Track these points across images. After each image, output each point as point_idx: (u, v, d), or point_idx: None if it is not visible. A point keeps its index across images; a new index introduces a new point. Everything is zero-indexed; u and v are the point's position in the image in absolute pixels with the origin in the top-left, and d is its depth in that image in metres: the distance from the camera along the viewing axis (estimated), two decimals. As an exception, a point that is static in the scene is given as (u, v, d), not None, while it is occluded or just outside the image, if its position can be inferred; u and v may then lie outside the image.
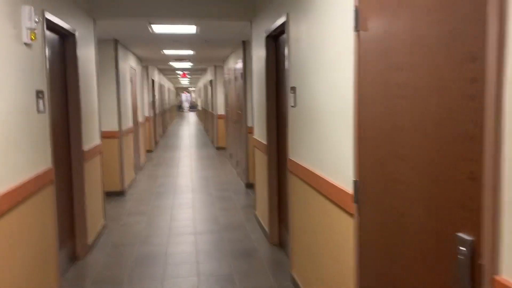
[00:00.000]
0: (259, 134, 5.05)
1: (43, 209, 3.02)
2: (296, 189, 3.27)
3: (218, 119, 12.18)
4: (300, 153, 3.13)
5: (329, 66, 2.42)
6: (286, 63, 3.49)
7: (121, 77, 7.02)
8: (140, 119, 9.46)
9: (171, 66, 12.98)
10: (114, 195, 6.77)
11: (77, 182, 4.11)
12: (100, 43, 6.59)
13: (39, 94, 2.96)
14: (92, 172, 4.52)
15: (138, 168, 8.67)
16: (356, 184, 2.06)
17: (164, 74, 19.42)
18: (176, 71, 17.25)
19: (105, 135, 6.63)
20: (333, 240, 2.42)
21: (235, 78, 8.10)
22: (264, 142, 4.66)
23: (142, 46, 7.70)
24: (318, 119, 2.65)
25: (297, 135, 3.21)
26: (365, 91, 1.94)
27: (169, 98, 24.90)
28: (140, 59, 9.96)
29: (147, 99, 11.83)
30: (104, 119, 6.63)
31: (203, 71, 16.96)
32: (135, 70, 8.87)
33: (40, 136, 2.98)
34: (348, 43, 2.11)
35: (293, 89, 3.27)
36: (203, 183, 7.60)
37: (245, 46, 7.07)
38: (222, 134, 12.23)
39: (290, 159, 3.42)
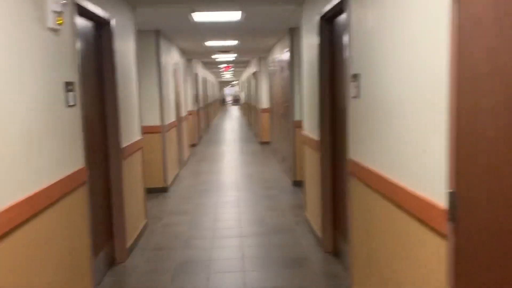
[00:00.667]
0: (310, 129, 4.59)
1: (75, 213, 2.73)
2: (359, 195, 2.80)
3: (262, 113, 11.78)
4: (365, 153, 2.66)
5: (410, 45, 1.93)
6: (346, 46, 3.01)
7: (163, 70, 6.75)
8: (184, 113, 9.23)
9: (214, 59, 12.71)
10: (157, 191, 6.54)
11: (115, 181, 3.83)
12: (141, 34, 6.34)
13: (68, 86, 2.66)
14: (132, 170, 4.24)
15: (181, 163, 8.43)
16: (452, 196, 1.58)
17: (208, 68, 19.26)
18: (219, 65, 17.00)
19: (147, 130, 6.39)
20: (413, 264, 1.94)
21: (281, 69, 7.65)
22: (316, 138, 4.20)
23: (185, 37, 7.41)
24: (392, 111, 2.17)
25: (361, 132, 2.73)
26: (470, 74, 1.45)
27: (213, 92, 24.80)
28: (183, 52, 9.72)
29: (190, 93, 11.62)
30: (146, 113, 6.39)
31: (246, 63, 16.61)
32: (178, 63, 8.62)
33: (70, 133, 2.68)
34: (441, 10, 1.61)
35: (356, 77, 2.79)
36: (247, 180, 7.24)
37: (292, 34, 6.60)
38: (266, 129, 11.82)
39: (351, 160, 2.95)
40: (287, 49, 6.83)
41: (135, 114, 4.48)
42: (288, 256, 3.92)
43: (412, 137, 1.93)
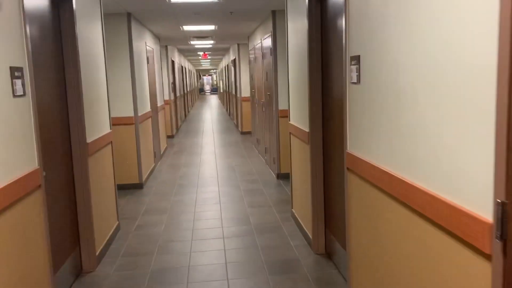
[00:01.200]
0: (298, 119, 4.22)
1: (28, 221, 2.30)
2: (359, 192, 2.45)
3: (243, 101, 11.36)
4: (367, 147, 2.30)
5: (436, 13, 1.56)
6: (342, 25, 2.63)
7: (136, 57, 6.26)
8: (159, 103, 8.73)
9: (191, 46, 12.17)
10: (130, 188, 6.09)
11: (80, 180, 3.38)
12: (111, 17, 5.82)
13: (15, 72, 2.20)
14: (100, 166, 3.80)
15: (157, 156, 7.97)
16: (503, 208, 1.22)
17: (185, 56, 18.65)
18: (197, 52, 16.44)
19: (119, 122, 5.91)
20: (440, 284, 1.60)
21: (263, 55, 7.24)
22: (305, 129, 3.84)
23: (159, 21, 6.90)
24: (406, 99, 1.80)
25: (362, 122, 2.37)
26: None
27: (191, 80, 24.18)
28: (158, 38, 9.18)
29: (167, 81, 11.10)
30: (117, 104, 5.90)
31: (225, 51, 16.11)
32: (153, 49, 8.10)
33: (18, 128, 2.23)
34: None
35: (356, 59, 2.41)
36: (229, 174, 6.85)
37: (275, 17, 6.18)
38: (247, 118, 11.42)
39: (350, 153, 2.59)
40: (270, 33, 6.42)
41: (103, 105, 4.02)
42: (276, 259, 3.56)
43: (432, 127, 1.57)
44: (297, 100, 4.23)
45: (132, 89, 5.93)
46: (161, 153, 8.49)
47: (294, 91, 4.36)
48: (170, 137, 11.32)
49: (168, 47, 11.32)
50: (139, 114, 6.19)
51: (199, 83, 43.52)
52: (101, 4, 4.12)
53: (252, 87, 9.16)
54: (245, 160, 7.92)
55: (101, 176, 3.83)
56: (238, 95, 11.86)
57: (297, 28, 4.02)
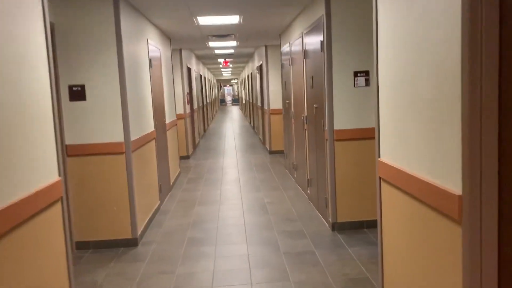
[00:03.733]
0: (413, 157, 2.25)
1: None
2: None
3: (271, 115, 9.45)
4: None
5: None
6: None
7: (130, 59, 4.43)
8: (169, 118, 6.90)
9: (210, 50, 10.39)
10: (120, 245, 4.21)
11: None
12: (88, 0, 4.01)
13: None
14: (39, 242, 1.92)
15: (165, 189, 6.11)
16: None
17: (204, 63, 16.93)
18: (218, 59, 14.68)
19: (103, 150, 4.07)
20: None
21: (305, 54, 5.32)
22: (445, 186, 1.87)
23: (165, 9, 5.07)
24: None
25: None
26: None
27: (211, 91, 22.46)
28: (168, 37, 7.37)
29: (181, 91, 9.29)
30: (100, 126, 4.07)
31: (248, 57, 14.29)
32: (159, 50, 6.28)
33: None
34: None
35: None
36: (260, 219, 4.90)
37: (327, -3, 4.25)
38: (278, 135, 9.49)
39: None
40: (318, 21, 4.49)
41: (48, 130, 2.15)
42: None
43: None
44: (410, 123, 2.26)
45: (122, 105, 4.09)
46: (171, 183, 6.63)
47: (398, 108, 2.40)
48: (185, 158, 9.47)
49: (183, 51, 9.53)
50: (135, 138, 4.33)
51: (219, 94, 41.99)
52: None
53: (286, 98, 7.23)
54: (280, 193, 5.97)
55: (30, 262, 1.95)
56: (265, 107, 9.96)
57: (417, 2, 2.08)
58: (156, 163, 5.50)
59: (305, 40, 5.30)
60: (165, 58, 6.84)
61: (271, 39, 8.40)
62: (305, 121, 5.51)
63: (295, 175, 6.63)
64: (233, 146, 11.29)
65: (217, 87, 35.45)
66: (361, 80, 4.20)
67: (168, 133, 6.62)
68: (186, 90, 9.85)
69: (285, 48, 7.07)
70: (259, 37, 8.10)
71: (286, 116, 7.28)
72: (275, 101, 9.41)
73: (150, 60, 5.41)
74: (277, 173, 7.42)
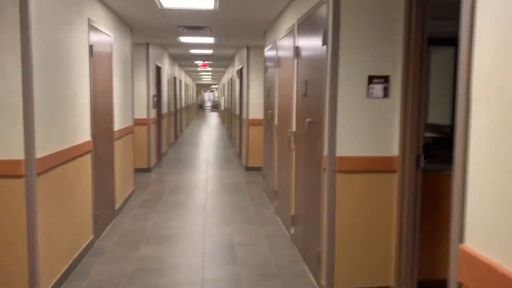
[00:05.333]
0: None
1: None
2: None
3: (251, 125, 8.15)
4: None
5: None
6: None
7: (48, 41, 3.07)
8: (121, 124, 5.51)
9: (185, 49, 9.05)
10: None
11: None
12: None
13: None
14: None
15: (105, 218, 4.71)
16: None
17: (181, 66, 15.56)
18: (195, 61, 13.35)
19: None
20: None
21: (297, 52, 4.04)
22: None
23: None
24: None
25: None
26: None
27: (187, 95, 21.05)
28: (126, 23, 6.01)
29: (145, 93, 7.91)
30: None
31: (229, 60, 13.01)
32: (110, 37, 4.92)
33: None
34: None
35: None
36: (225, 276, 3.56)
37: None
38: (256, 149, 8.19)
39: None
40: (320, 1, 3.21)
41: None
42: None
43: None
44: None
45: (24, 105, 2.71)
46: (117, 206, 5.22)
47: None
48: (144, 171, 8.05)
49: (152, 47, 8.16)
50: (48, 153, 2.95)
51: (198, 99, 40.58)
52: None
53: (268, 107, 5.94)
54: (255, 230, 4.65)
55: None
56: (244, 116, 8.66)
57: None
58: (92, 184, 4.10)
59: (298, 33, 4.03)
60: (120, 50, 5.46)
61: (254, 38, 7.13)
62: (292, 138, 4.22)
63: (276, 204, 5.32)
64: (205, 159, 9.92)
65: (196, 92, 34.04)
66: (377, 89, 2.94)
67: (117, 143, 5.23)
68: (153, 92, 8.47)
69: (270, 47, 5.79)
70: (241, 34, 6.82)
71: (268, 129, 5.98)
72: (255, 110, 8.12)
73: (91, 47, 4.04)
74: (254, 198, 6.10)
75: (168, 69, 11.13)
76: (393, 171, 2.97)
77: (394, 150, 2.97)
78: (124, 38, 5.72)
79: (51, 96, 3.08)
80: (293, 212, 4.23)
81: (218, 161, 9.62)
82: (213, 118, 28.13)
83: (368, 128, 2.95)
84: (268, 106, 5.96)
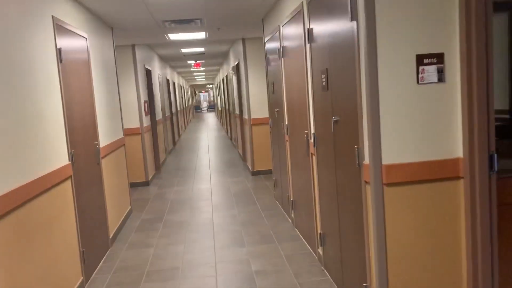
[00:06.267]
0: None
1: None
2: None
3: (253, 126, 7.45)
4: None
5: None
6: None
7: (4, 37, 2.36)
8: (109, 139, 4.80)
9: (175, 48, 8.33)
10: None
11: None
12: None
13: None
14: None
15: (96, 251, 4.02)
16: None
17: (172, 67, 14.83)
18: (187, 61, 12.62)
19: None
20: None
21: (309, 36, 3.32)
22: None
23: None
24: None
25: None
26: None
27: (182, 98, 20.31)
28: (104, 21, 5.31)
29: (135, 99, 7.20)
30: None
31: (223, 57, 12.29)
32: (86, 39, 4.20)
33: None
34: None
35: None
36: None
37: None
38: (262, 150, 7.49)
39: None
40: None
41: None
42: None
43: None
44: None
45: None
46: (111, 234, 4.52)
47: None
48: (142, 185, 7.35)
49: (138, 48, 7.44)
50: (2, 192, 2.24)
51: (194, 100, 39.85)
52: None
53: (275, 104, 5.23)
54: (274, 251, 3.94)
55: None
56: (245, 116, 7.95)
57: None
58: (75, 216, 3.40)
59: (309, 14, 3.31)
60: (100, 53, 4.75)
61: (250, 28, 6.41)
62: (312, 142, 3.51)
63: (293, 215, 4.62)
64: (207, 164, 9.22)
65: (191, 94, 33.28)
66: (430, 71, 2.23)
67: (106, 160, 4.53)
68: (144, 97, 7.75)
69: (271, 36, 5.07)
70: (235, 25, 6.10)
71: (276, 129, 5.28)
72: (257, 108, 7.42)
73: (59, 52, 3.32)
74: (265, 208, 5.40)
75: (159, 71, 10.40)
76: (458, 177, 2.27)
77: (457, 150, 2.27)
78: (103, 39, 5.00)
79: (3, 117, 2.37)
80: (320, 230, 3.53)
81: (221, 165, 8.92)
82: (210, 119, 27.40)
83: (420, 124, 2.25)
84: (274, 104, 5.25)
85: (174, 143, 13.13)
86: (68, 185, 3.31)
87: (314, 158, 3.46)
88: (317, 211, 3.57)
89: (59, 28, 3.39)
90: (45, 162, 2.89)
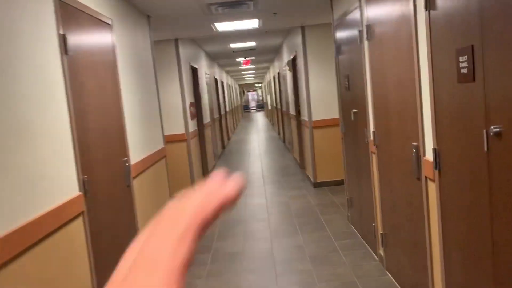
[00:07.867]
0: None
1: None
2: None
3: (315, 128, 6.32)
4: None
5: None
6: None
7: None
8: (146, 151, 3.86)
9: (224, 43, 7.37)
10: None
11: None
12: None
13: None
14: None
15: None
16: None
17: (221, 66, 13.97)
18: (236, 58, 11.68)
19: None
20: None
21: (430, 4, 2.16)
22: None
23: None
24: None
25: None
26: None
27: (231, 97, 19.48)
28: (134, 4, 4.38)
29: (180, 102, 6.29)
30: None
31: (274, 53, 11.23)
32: (109, 24, 3.26)
33: None
34: None
35: None
36: None
37: None
38: (327, 158, 6.34)
39: None
40: None
41: None
42: None
43: None
44: None
45: None
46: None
47: None
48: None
49: (181, 43, 6.51)
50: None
51: (243, 100, 39.12)
52: None
53: (350, 103, 4.07)
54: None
55: None
56: (304, 117, 6.82)
57: None
58: (89, 265, 2.45)
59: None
60: (131, 44, 3.81)
61: (312, 12, 5.29)
62: (430, 160, 2.34)
63: (383, 253, 3.46)
64: (259, 172, 8.19)
65: (240, 93, 32.53)
66: None
67: (138, 180, 3.57)
68: (190, 99, 6.84)
69: (344, 17, 3.91)
70: (295, 8, 4.99)
71: (351, 135, 4.12)
72: (320, 108, 6.28)
73: (63, 39, 2.37)
74: (339, 236, 4.26)
75: (206, 70, 9.50)
76: None
77: None
78: (136, 29, 4.07)
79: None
80: (441, 292, 2.35)
81: (276, 174, 7.85)
82: (259, 119, 26.44)
83: None
84: (349, 103, 4.10)
85: (223, 146, 12.23)
86: (79, 224, 2.36)
87: (434, 185, 2.29)
88: (436, 262, 2.40)
89: (64, 6, 2.44)
90: (42, 196, 1.94)
